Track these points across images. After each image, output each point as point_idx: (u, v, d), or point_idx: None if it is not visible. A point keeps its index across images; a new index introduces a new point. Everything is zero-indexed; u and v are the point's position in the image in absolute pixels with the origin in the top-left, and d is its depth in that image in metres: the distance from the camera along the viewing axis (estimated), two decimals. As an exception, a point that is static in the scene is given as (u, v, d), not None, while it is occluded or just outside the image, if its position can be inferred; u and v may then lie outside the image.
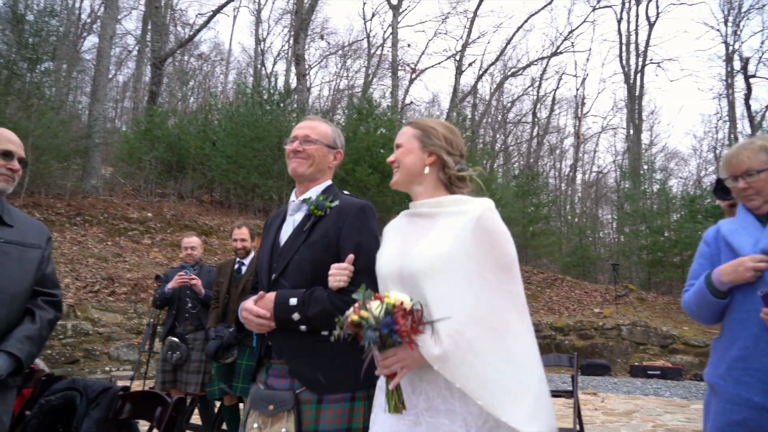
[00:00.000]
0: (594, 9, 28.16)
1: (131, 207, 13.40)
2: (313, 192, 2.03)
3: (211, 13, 20.26)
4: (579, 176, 31.99)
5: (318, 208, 1.97)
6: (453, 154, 1.78)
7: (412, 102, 29.13)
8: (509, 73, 29.76)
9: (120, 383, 3.36)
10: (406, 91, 28.20)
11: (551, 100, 30.89)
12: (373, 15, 38.30)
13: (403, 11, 26.00)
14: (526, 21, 28.36)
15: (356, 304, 1.55)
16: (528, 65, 29.72)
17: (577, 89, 31.07)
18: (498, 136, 31.19)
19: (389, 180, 1.87)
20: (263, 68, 25.42)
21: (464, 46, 27.37)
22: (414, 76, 28.62)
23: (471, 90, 28.75)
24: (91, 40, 22.43)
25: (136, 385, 4.62)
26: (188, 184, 16.13)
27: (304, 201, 2.01)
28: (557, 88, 31.47)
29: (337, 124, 21.52)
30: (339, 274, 1.82)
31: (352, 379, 1.79)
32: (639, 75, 26.42)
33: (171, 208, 13.99)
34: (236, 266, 4.50)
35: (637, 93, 26.27)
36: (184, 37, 21.08)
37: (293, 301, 1.85)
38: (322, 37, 26.66)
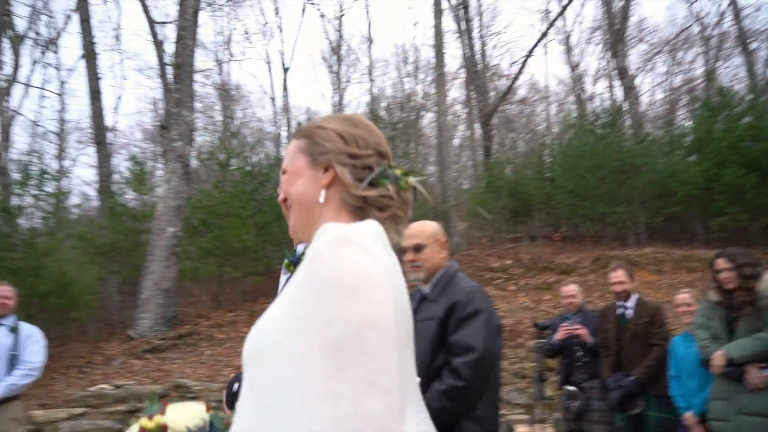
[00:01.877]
0: None
1: (491, 257, 13.72)
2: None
3: (524, 58, 19.64)
4: None
5: (292, 262, 1.46)
6: (356, 157, 1.00)
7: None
8: None
9: (517, 426, 4.43)
10: (767, 63, 20.13)
11: None
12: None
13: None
14: None
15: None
16: None
17: None
18: None
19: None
20: (582, 93, 23.75)
21: None
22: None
23: None
24: (427, 117, 24.14)
25: (538, 428, 4.88)
26: (536, 226, 16.16)
27: (284, 255, 1.58)
28: None
29: (683, 129, 16.33)
30: None
31: None
32: None
33: (526, 252, 13.82)
34: (619, 310, 4.41)
35: None
36: (503, 88, 20.74)
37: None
38: (641, 40, 23.45)
